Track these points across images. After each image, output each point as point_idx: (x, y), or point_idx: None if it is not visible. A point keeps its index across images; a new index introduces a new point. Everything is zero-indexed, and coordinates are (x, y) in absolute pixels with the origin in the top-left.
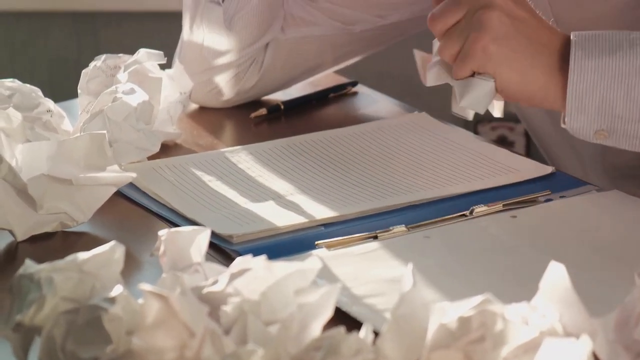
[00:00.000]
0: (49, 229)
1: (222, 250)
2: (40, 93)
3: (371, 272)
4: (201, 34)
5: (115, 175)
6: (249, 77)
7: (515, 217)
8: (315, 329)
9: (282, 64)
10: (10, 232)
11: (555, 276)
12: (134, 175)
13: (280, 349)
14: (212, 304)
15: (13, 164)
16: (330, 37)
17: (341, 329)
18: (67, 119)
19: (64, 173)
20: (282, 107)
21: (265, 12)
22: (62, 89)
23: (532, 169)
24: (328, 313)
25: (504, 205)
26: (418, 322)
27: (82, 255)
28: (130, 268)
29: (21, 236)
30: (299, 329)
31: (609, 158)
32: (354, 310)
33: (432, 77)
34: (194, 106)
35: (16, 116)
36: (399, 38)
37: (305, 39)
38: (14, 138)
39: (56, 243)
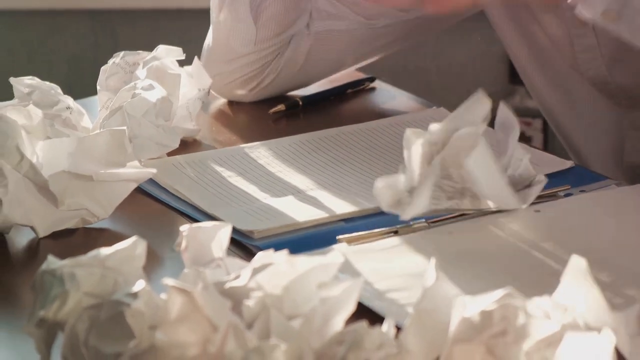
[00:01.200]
0: (70, 225)
1: (243, 245)
2: (59, 90)
3: (393, 267)
4: (228, 22)
5: (135, 171)
6: (271, 71)
7: (538, 211)
8: (338, 323)
9: (304, 59)
10: (32, 228)
11: (577, 270)
12: (154, 171)
13: (302, 344)
14: (235, 298)
15: (34, 160)
16: (353, 33)
17: (364, 323)
18: (87, 116)
19: (84, 169)
20: (300, 103)
21: (292, 5)
22: (80, 86)
23: (551, 163)
24: (350, 307)
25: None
26: (441, 316)
27: (105, 251)
28: (151, 264)
29: (43, 232)
30: (321, 323)
31: (628, 157)
32: (376, 305)
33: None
34: (213, 103)
35: (36, 113)
36: (422, 36)
37: (329, 34)
38: (34, 135)
39: (77, 239)
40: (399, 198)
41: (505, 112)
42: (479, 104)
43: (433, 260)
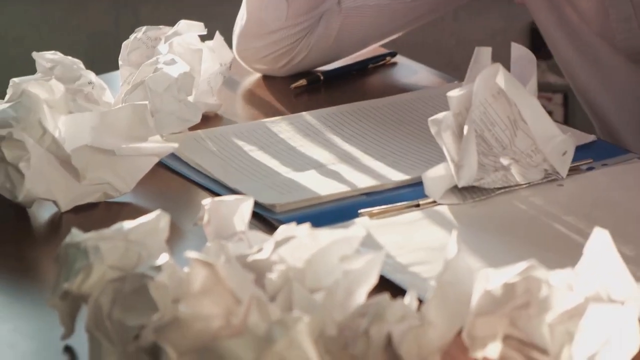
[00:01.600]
0: (92, 199)
1: (264, 219)
2: (81, 65)
3: (415, 240)
4: None
5: (157, 145)
6: (303, 48)
7: (561, 185)
8: (360, 296)
9: (334, 35)
10: (54, 202)
11: (600, 243)
12: (175, 145)
13: (325, 316)
14: (257, 271)
15: (56, 135)
16: (383, 8)
17: (386, 296)
18: (108, 91)
19: (106, 144)
20: (321, 77)
21: None
22: (102, 61)
23: (573, 137)
24: (373, 280)
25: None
26: (463, 289)
27: (128, 224)
28: (174, 237)
29: (65, 207)
30: (344, 296)
31: None
32: (397, 278)
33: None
34: (234, 77)
35: (59, 88)
36: (448, 9)
37: (359, 10)
38: (57, 109)
39: (99, 213)
40: (449, 186)
41: (519, 48)
42: (487, 64)
43: (455, 233)
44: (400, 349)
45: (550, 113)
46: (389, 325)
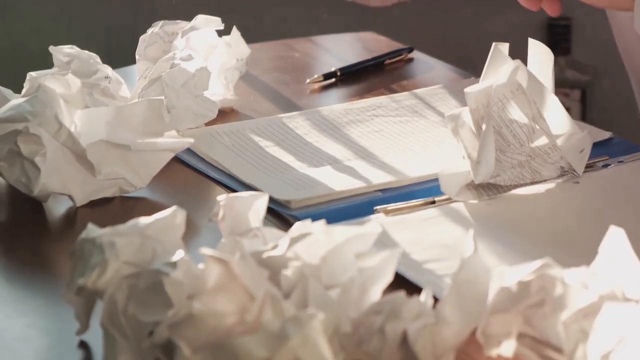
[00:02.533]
0: (107, 194)
1: (279, 215)
2: (98, 59)
3: (430, 238)
4: None
5: (173, 140)
6: None
7: (577, 182)
8: (375, 293)
9: None
10: (70, 197)
11: (615, 241)
12: (191, 140)
13: (340, 313)
14: (272, 268)
15: (72, 129)
16: None
17: (401, 293)
18: (125, 85)
19: (122, 139)
20: (338, 73)
21: None
22: (118, 56)
23: (590, 134)
24: (388, 277)
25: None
26: (479, 287)
27: (144, 220)
28: (189, 233)
29: (80, 201)
30: (359, 293)
31: None
32: (412, 276)
33: None
34: (250, 72)
35: (75, 82)
36: None
37: None
38: (73, 104)
39: (115, 208)
40: (465, 183)
41: (536, 44)
42: (505, 61)
43: (471, 231)
44: (415, 347)
45: (567, 109)
46: (404, 323)
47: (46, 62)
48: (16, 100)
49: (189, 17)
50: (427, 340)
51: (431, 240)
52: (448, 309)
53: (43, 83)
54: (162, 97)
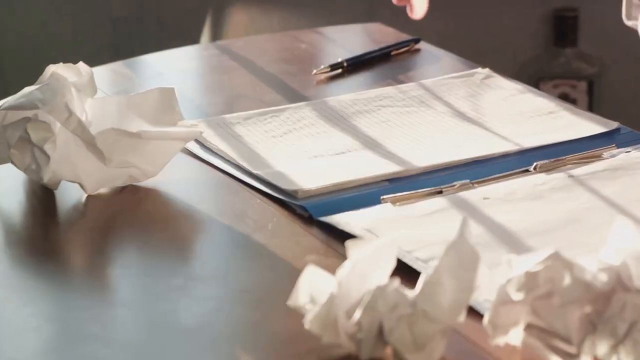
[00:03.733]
0: (118, 183)
1: (287, 205)
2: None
3: (436, 232)
4: None
5: (183, 130)
6: None
7: (575, 175)
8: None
9: None
10: (80, 185)
11: (623, 231)
12: (201, 130)
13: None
14: None
15: (83, 118)
16: None
17: (384, 284)
18: None
19: (132, 127)
20: (344, 64)
21: None
22: (124, 48)
23: (597, 124)
24: (391, 264)
25: (568, 161)
26: (464, 273)
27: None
28: (197, 225)
29: (91, 190)
30: (358, 280)
31: None
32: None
33: None
34: (257, 64)
35: (87, 70)
36: None
37: None
38: (84, 92)
39: (125, 198)
40: None
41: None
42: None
43: (463, 217)
44: (390, 338)
45: (574, 101)
46: (380, 315)
47: (53, 54)
48: (29, 88)
49: (195, 6)
50: (404, 331)
51: (433, 236)
52: (425, 298)
53: (55, 71)
54: (173, 87)
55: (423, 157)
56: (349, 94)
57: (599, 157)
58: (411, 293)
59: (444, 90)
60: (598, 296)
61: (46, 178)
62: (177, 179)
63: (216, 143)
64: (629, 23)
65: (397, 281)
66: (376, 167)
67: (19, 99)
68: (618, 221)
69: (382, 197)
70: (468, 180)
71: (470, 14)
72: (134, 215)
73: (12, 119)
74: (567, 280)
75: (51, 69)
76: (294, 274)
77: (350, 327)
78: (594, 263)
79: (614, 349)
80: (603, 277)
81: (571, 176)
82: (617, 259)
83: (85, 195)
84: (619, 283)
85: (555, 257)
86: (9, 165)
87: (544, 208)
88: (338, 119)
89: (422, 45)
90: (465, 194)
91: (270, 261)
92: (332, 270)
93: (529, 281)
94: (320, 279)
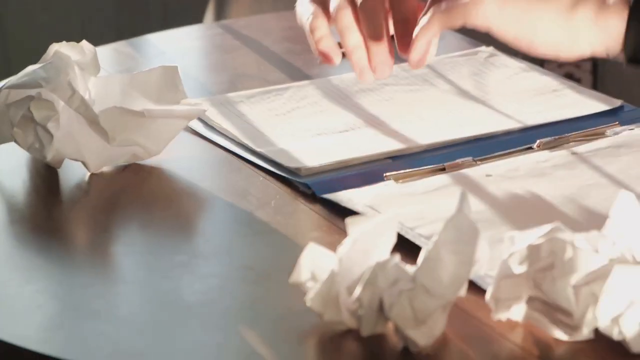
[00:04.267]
0: (121, 161)
1: (290, 183)
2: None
3: (439, 208)
4: None
5: (186, 108)
6: None
7: (578, 152)
8: (380, 255)
9: None
10: (83, 163)
11: (626, 205)
12: (205, 108)
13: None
14: None
15: (86, 96)
16: None
17: (385, 260)
18: None
19: (135, 105)
20: None
21: None
22: (129, 27)
23: (600, 102)
24: (392, 239)
25: (571, 138)
26: (464, 247)
27: None
28: (200, 203)
29: (94, 168)
30: (360, 256)
31: None
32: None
33: None
34: (262, 43)
35: (90, 49)
36: None
37: None
38: (87, 71)
39: (129, 177)
40: None
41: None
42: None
43: (463, 192)
44: (390, 314)
45: (578, 80)
46: (380, 291)
47: (56, 38)
48: (32, 66)
49: None
50: (405, 306)
51: (436, 213)
52: (425, 273)
53: (58, 49)
54: (176, 65)
55: (426, 135)
56: (352, 72)
57: (602, 135)
58: (411, 268)
59: (448, 69)
60: (599, 269)
61: (49, 156)
62: (180, 157)
63: (219, 121)
64: None
65: (397, 257)
66: (379, 144)
67: (22, 78)
68: (621, 195)
69: (385, 175)
70: (471, 158)
71: None
72: (137, 194)
73: (15, 98)
74: (569, 253)
75: (54, 47)
76: (297, 251)
77: (351, 304)
78: (596, 236)
79: (615, 321)
80: (605, 250)
81: (574, 153)
82: (619, 232)
83: (89, 173)
84: (620, 256)
85: (558, 230)
86: (12, 144)
87: (547, 185)
88: (341, 97)
89: None
90: (468, 171)
91: (273, 238)
92: (335, 247)
93: (531, 254)
94: (321, 256)
